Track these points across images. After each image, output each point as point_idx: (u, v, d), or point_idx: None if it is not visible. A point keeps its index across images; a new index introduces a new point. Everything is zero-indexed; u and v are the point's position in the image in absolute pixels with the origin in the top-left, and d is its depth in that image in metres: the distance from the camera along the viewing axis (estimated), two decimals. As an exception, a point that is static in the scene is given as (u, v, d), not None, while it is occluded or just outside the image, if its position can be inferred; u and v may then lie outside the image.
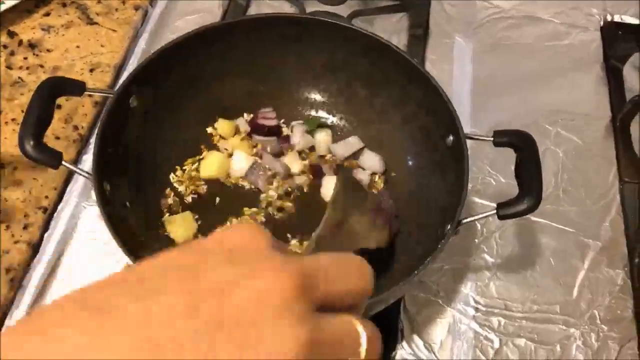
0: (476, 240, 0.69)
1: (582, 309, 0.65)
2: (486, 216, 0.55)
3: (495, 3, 0.90)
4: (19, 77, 0.77)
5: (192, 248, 0.26)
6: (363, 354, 0.27)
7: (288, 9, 0.88)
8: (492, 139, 0.58)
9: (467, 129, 0.76)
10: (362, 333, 0.27)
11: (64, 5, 0.85)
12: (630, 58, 0.85)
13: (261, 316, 0.24)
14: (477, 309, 0.64)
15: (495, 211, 0.54)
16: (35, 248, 0.65)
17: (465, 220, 0.54)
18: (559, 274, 0.67)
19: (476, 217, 0.55)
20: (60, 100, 0.73)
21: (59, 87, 0.61)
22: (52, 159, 0.57)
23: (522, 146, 0.57)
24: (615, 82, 0.83)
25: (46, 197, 0.68)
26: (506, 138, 0.58)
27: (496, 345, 0.62)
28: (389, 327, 0.62)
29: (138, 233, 0.61)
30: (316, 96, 0.72)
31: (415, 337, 0.62)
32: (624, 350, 0.63)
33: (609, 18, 0.89)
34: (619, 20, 0.89)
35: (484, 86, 0.82)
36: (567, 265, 0.68)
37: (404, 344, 0.62)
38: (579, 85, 0.83)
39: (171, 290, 0.24)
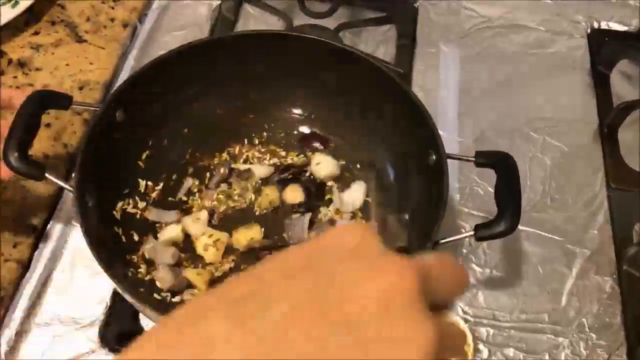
0: (464, 250, 0.69)
1: (571, 317, 0.65)
2: (464, 237, 0.55)
3: (481, 12, 0.90)
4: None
5: (310, 246, 0.27)
6: (470, 354, 0.27)
7: (276, 22, 0.89)
8: (473, 159, 0.59)
9: (453, 136, 0.77)
10: (468, 333, 0.28)
11: (53, 23, 0.85)
12: (617, 64, 0.86)
13: (389, 314, 0.24)
14: (465, 320, 0.64)
15: (473, 233, 0.55)
16: (25, 267, 0.66)
17: (443, 241, 0.54)
18: (547, 282, 0.67)
19: (454, 238, 0.56)
20: (50, 119, 0.75)
21: (46, 100, 0.62)
22: (36, 171, 0.58)
23: (501, 168, 0.58)
24: (603, 89, 0.84)
25: (35, 215, 0.68)
26: (487, 159, 0.59)
27: (485, 355, 0.62)
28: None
29: (121, 248, 0.62)
30: (299, 112, 0.73)
31: (404, 349, 0.62)
32: (613, 358, 0.63)
33: (595, 25, 0.90)
34: (606, 27, 0.90)
35: (471, 94, 0.82)
36: (555, 273, 0.68)
37: (393, 355, 0.62)
38: (566, 92, 0.83)
39: (295, 293, 0.24)
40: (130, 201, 0.66)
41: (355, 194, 0.68)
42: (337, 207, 0.67)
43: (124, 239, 0.63)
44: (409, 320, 0.24)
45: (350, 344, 0.23)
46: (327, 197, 0.69)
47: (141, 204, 0.67)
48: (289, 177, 0.69)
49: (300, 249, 0.27)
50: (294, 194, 0.68)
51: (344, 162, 0.71)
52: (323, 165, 0.70)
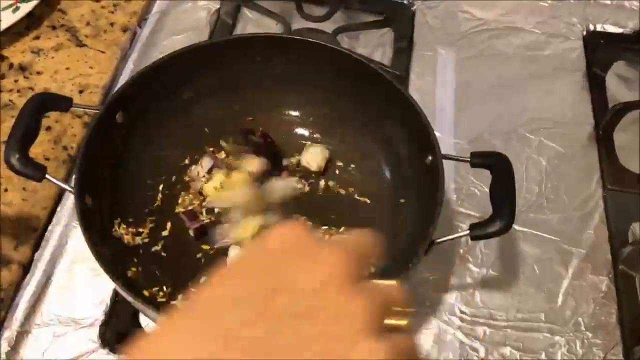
0: (461, 250, 0.69)
1: (567, 316, 0.66)
2: (459, 237, 0.56)
3: (477, 15, 0.91)
4: (10, 100, 0.78)
5: (257, 251, 0.31)
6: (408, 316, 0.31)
7: (274, 26, 0.90)
8: (469, 159, 0.59)
9: (450, 138, 0.78)
10: (406, 294, 0.31)
11: (54, 28, 0.86)
12: (613, 66, 0.87)
13: (326, 296, 0.28)
14: (462, 319, 0.65)
15: (468, 232, 0.55)
16: (25, 268, 0.66)
17: (438, 241, 0.55)
18: (543, 282, 0.68)
19: (449, 238, 0.56)
20: (50, 122, 0.75)
21: (46, 102, 0.63)
22: (36, 171, 0.59)
23: (497, 168, 0.58)
24: (598, 90, 0.84)
25: (36, 217, 0.69)
26: (482, 159, 0.59)
27: (482, 354, 0.63)
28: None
29: (121, 249, 0.62)
30: (296, 114, 0.74)
31: (401, 348, 0.63)
32: (609, 357, 0.63)
33: (590, 27, 0.90)
34: (601, 29, 0.90)
35: (467, 96, 0.83)
36: (551, 273, 0.68)
37: (390, 355, 0.62)
38: (562, 93, 0.84)
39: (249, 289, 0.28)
40: (130, 202, 0.67)
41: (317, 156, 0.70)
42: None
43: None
44: (346, 296, 0.28)
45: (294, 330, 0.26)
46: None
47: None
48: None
49: (251, 252, 0.31)
50: (253, 163, 0.68)
51: (342, 164, 0.72)
52: (310, 158, 0.71)
